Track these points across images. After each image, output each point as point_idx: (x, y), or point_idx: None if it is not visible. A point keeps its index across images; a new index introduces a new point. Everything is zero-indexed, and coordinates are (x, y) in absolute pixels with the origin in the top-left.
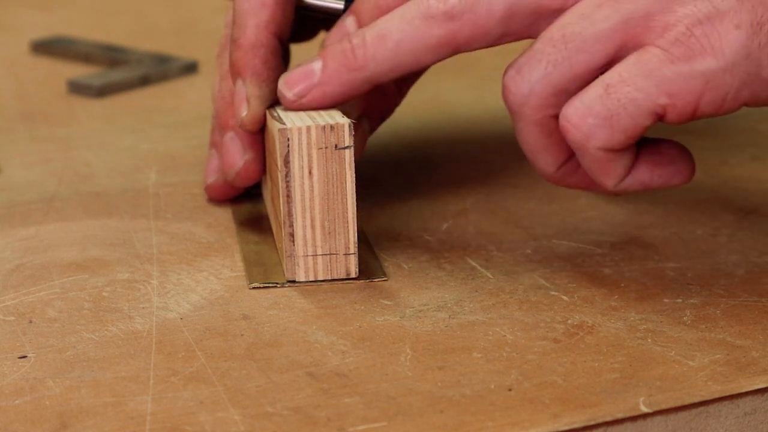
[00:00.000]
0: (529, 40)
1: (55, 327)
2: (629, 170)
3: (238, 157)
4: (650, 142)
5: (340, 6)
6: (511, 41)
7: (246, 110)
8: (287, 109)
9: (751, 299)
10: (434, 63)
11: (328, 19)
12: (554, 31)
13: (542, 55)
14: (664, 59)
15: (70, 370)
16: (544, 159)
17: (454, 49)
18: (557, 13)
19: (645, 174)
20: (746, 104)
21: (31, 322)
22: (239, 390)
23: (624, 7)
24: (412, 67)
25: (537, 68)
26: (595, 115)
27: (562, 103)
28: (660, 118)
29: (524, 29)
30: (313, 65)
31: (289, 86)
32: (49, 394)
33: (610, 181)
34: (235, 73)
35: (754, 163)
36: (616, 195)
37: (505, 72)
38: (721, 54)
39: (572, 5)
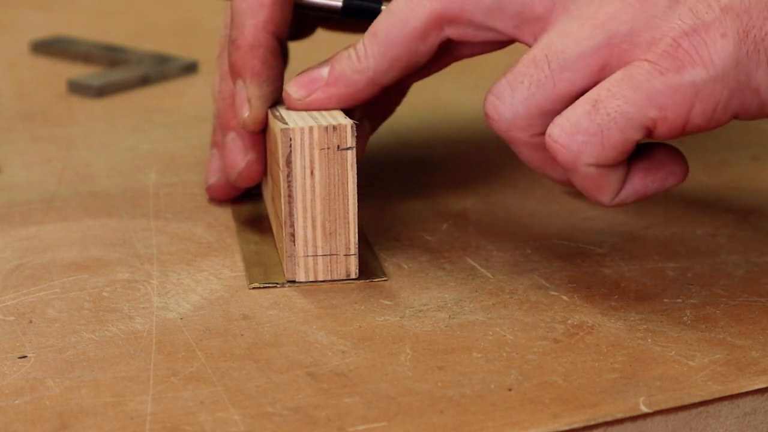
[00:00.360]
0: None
1: (55, 327)
2: (623, 183)
3: (240, 157)
4: (637, 149)
5: (338, 4)
6: (492, 40)
7: (248, 111)
8: (290, 109)
9: (751, 299)
10: (428, 54)
11: (326, 17)
12: (536, 51)
13: (524, 77)
14: (653, 72)
15: (70, 370)
16: (553, 171)
17: (439, 30)
18: (541, 21)
19: (638, 183)
20: (737, 116)
21: (31, 322)
22: (239, 390)
23: (608, 25)
24: (409, 60)
25: (519, 90)
26: (584, 132)
27: (549, 124)
28: (650, 132)
29: (509, 28)
30: (321, 69)
31: (295, 88)
32: (49, 394)
33: (605, 197)
34: (234, 74)
35: (754, 163)
36: (614, 208)
37: (485, 100)
38: (710, 64)
39: (556, 18)
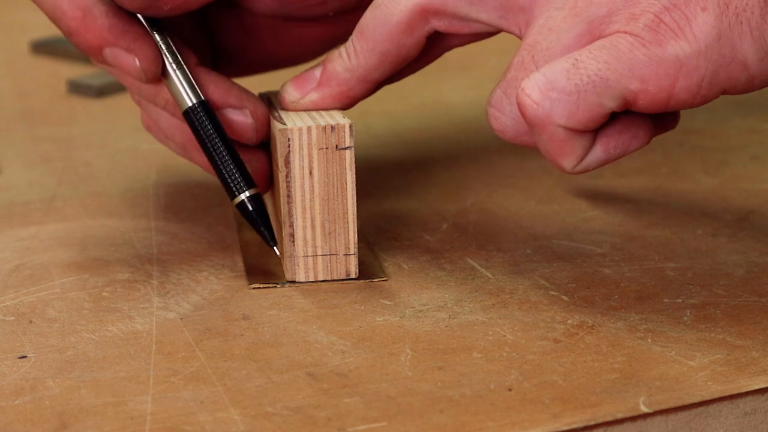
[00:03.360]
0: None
1: (55, 327)
2: (588, 150)
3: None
4: None
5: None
6: (479, 32)
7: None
8: (286, 110)
9: (751, 299)
10: (417, 47)
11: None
12: (524, 53)
13: (516, 82)
14: (635, 44)
15: (70, 370)
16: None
17: (425, 22)
18: (525, 12)
19: (600, 150)
20: (725, 91)
21: (31, 322)
22: (239, 390)
23: (586, 12)
24: (398, 54)
25: (514, 97)
26: (560, 90)
27: None
28: (629, 104)
29: (493, 19)
30: (315, 70)
31: (290, 90)
32: (49, 394)
33: (568, 163)
34: (95, 51)
35: (754, 163)
36: (573, 174)
37: (487, 113)
38: (692, 38)
39: (540, 8)
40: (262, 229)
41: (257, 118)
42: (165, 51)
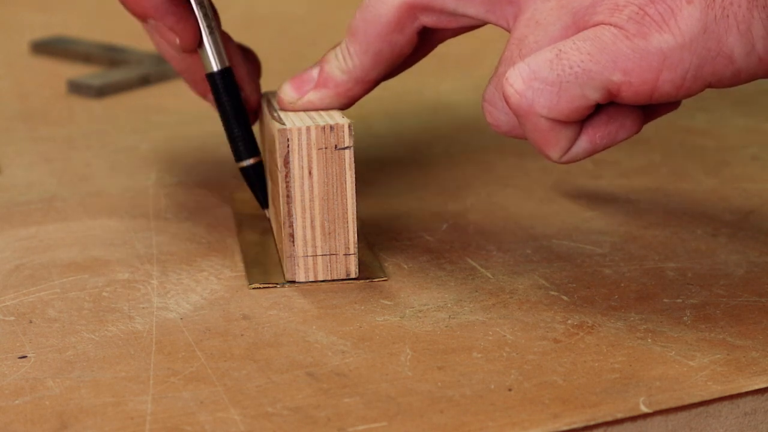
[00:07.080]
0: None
1: (55, 327)
2: (574, 141)
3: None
4: None
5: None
6: (469, 25)
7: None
8: (284, 110)
9: (751, 299)
10: (409, 44)
11: None
12: (512, 48)
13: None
14: (619, 35)
15: (70, 370)
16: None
17: (413, 19)
18: (512, 4)
19: (586, 141)
20: (711, 85)
21: (31, 322)
22: (239, 390)
23: (571, 3)
24: (391, 52)
25: None
26: (542, 80)
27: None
28: (613, 96)
29: (481, 14)
30: (312, 71)
31: (288, 90)
32: (49, 394)
33: (554, 153)
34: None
35: (755, 163)
36: (561, 164)
37: (482, 107)
38: (677, 30)
39: (525, 2)
40: (258, 193)
41: (249, 105)
42: (202, 17)
